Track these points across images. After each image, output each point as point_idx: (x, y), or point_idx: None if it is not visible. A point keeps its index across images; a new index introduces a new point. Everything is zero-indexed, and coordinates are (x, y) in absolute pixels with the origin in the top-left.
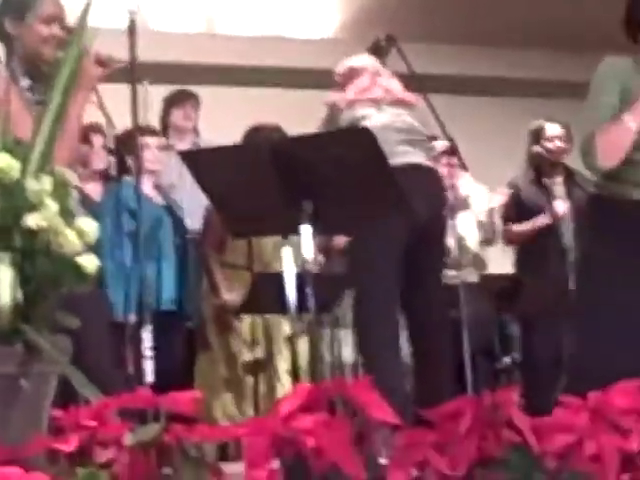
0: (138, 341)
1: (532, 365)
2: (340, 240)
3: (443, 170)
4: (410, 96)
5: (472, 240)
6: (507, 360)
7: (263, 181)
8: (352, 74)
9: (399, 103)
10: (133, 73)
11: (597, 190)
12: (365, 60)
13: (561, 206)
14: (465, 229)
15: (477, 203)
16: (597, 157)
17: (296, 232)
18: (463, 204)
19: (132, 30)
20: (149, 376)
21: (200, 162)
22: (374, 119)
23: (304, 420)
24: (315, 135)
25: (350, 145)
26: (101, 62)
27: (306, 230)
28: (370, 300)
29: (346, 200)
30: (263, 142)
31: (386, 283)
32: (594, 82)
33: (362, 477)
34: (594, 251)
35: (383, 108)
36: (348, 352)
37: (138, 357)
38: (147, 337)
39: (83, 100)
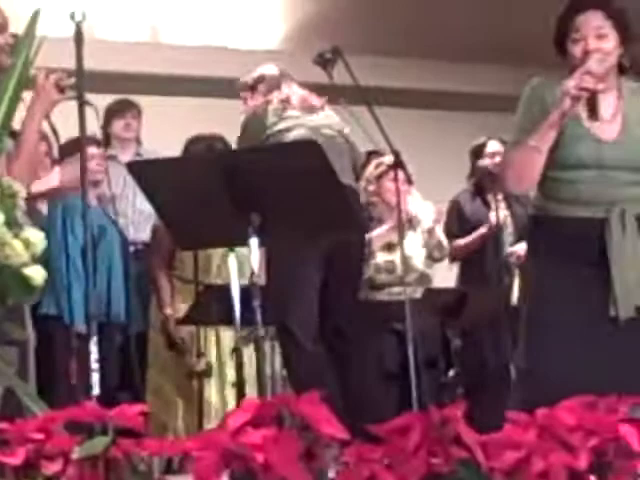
0: (85, 352)
1: (475, 379)
2: None
3: (390, 185)
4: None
5: (419, 259)
6: (451, 374)
7: (211, 193)
8: (262, 81)
9: (316, 109)
10: (80, 82)
11: (534, 210)
12: (274, 69)
13: (497, 217)
14: (412, 248)
15: (425, 221)
16: (506, 180)
17: (244, 244)
18: (411, 223)
19: (79, 39)
20: (95, 388)
21: (147, 174)
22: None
23: (253, 435)
24: (263, 147)
25: (298, 157)
26: (59, 87)
27: (254, 242)
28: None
29: (294, 213)
30: (211, 154)
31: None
32: (520, 102)
33: None
34: (534, 271)
35: (303, 117)
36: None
37: (85, 369)
38: (94, 349)
39: (40, 116)
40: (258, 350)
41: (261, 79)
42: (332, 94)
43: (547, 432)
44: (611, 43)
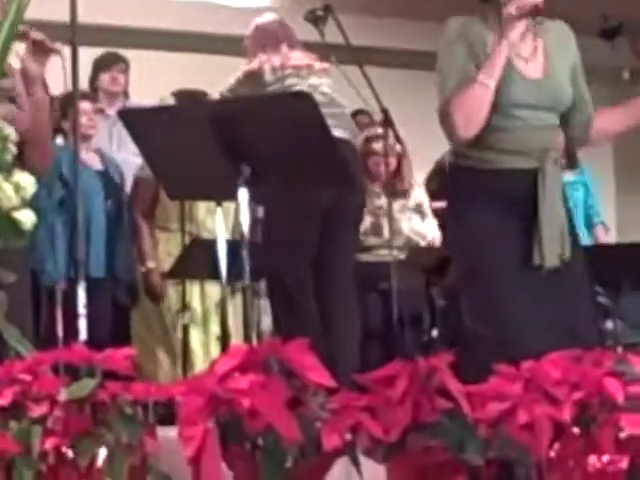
0: (70, 302)
1: (459, 338)
2: None
3: (378, 145)
4: (325, 65)
5: (406, 225)
6: (434, 333)
7: (202, 143)
8: (261, 35)
9: (318, 72)
10: (74, 35)
11: (467, 160)
12: (270, 19)
13: None
14: (400, 214)
15: (417, 192)
16: (456, 126)
17: (234, 196)
18: (403, 192)
19: None
20: (83, 334)
21: (138, 121)
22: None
23: (240, 380)
24: (255, 97)
25: (290, 109)
26: (41, 48)
27: (243, 195)
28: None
29: (285, 166)
30: (203, 103)
31: (294, 258)
32: (443, 46)
33: (297, 438)
34: (475, 226)
35: (305, 77)
36: (267, 321)
37: (71, 317)
38: (82, 295)
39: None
40: (245, 301)
41: (258, 30)
42: (323, 52)
43: (532, 384)
44: None
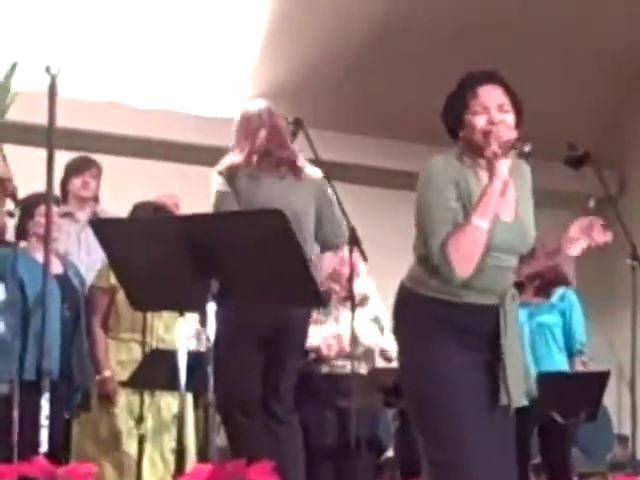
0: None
1: (413, 462)
2: None
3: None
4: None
5: (365, 336)
6: (389, 455)
7: (172, 256)
8: (244, 122)
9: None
10: (50, 138)
11: (426, 289)
12: (257, 105)
13: None
14: (360, 324)
15: (373, 300)
16: (454, 268)
17: (201, 310)
18: (361, 301)
19: (52, 94)
20: (44, 445)
21: (108, 231)
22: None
23: None
24: (228, 213)
25: (263, 226)
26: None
27: (211, 308)
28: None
29: (255, 282)
30: (178, 218)
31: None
32: (427, 185)
33: None
34: (431, 356)
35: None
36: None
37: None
38: (45, 405)
39: None
40: (207, 416)
41: (242, 118)
42: None
43: None
44: (511, 118)
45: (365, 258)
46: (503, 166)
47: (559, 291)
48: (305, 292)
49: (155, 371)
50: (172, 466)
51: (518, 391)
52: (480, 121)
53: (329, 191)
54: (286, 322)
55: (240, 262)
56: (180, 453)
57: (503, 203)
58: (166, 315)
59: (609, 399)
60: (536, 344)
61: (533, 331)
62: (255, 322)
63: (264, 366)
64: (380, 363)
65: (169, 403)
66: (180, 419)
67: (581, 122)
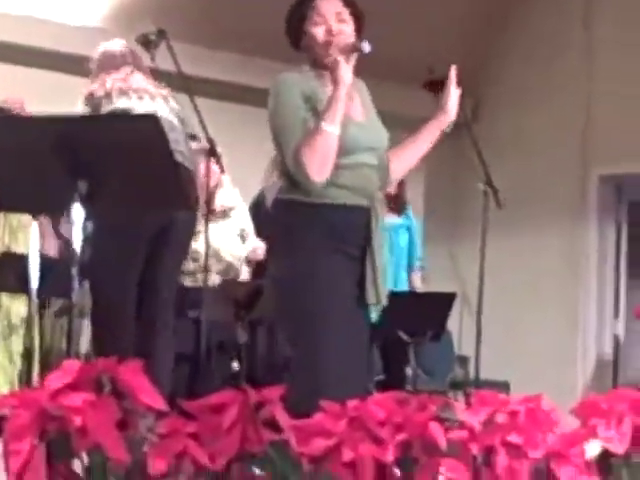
0: None
1: (262, 372)
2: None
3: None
4: (164, 91)
5: (227, 250)
6: (235, 366)
7: (40, 156)
8: (106, 60)
9: (158, 97)
10: None
11: (289, 193)
12: (119, 45)
13: None
14: (221, 238)
15: (239, 214)
16: (308, 173)
17: (67, 211)
18: (224, 212)
19: None
20: None
21: None
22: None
23: (72, 398)
24: (101, 116)
25: (135, 129)
26: None
27: (78, 211)
28: (105, 295)
29: (124, 185)
30: (47, 116)
31: (122, 278)
32: (280, 100)
33: (124, 460)
34: (307, 259)
35: (145, 100)
36: (84, 342)
37: None
38: None
39: None
40: (71, 319)
41: (104, 55)
42: (153, 77)
43: (357, 423)
44: (350, 27)
45: (223, 170)
46: (346, 71)
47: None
48: (174, 196)
49: (5, 274)
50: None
51: (384, 291)
52: (319, 32)
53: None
54: (170, 223)
55: (110, 164)
56: (28, 356)
57: (352, 106)
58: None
59: (452, 322)
60: (394, 262)
61: (391, 250)
62: (139, 221)
63: (145, 265)
64: (246, 275)
65: (18, 307)
66: (29, 323)
67: (441, 46)
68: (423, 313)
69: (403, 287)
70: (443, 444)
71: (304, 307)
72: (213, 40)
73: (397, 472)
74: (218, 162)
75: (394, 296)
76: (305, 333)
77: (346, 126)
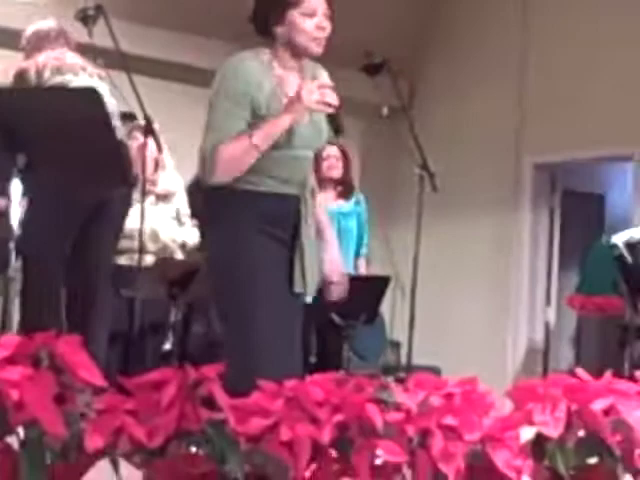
0: None
1: (195, 352)
2: None
3: (135, 144)
4: (98, 69)
5: (165, 232)
6: (167, 347)
7: None
8: (38, 39)
9: (92, 75)
10: None
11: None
12: (50, 24)
13: None
14: (161, 221)
15: (179, 199)
16: (214, 172)
17: (5, 187)
18: (165, 197)
19: None
20: None
21: None
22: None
23: (10, 371)
24: (42, 89)
25: (76, 103)
26: None
27: (16, 184)
28: (37, 267)
29: (63, 160)
30: None
31: (55, 253)
32: (221, 86)
33: (61, 435)
34: (237, 244)
35: (80, 76)
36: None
37: None
38: None
39: None
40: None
41: (36, 34)
42: (91, 54)
43: (294, 403)
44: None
45: (160, 147)
46: (303, 115)
47: (356, 195)
48: (114, 171)
49: None
50: None
51: (313, 280)
52: (310, 24)
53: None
54: (108, 199)
55: (50, 139)
56: None
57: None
58: None
59: (384, 305)
60: (342, 247)
61: (339, 235)
62: (77, 196)
63: (82, 241)
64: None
65: None
66: None
67: (379, 31)
68: (357, 296)
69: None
70: (380, 425)
71: (234, 286)
72: (152, 17)
73: (333, 453)
74: (155, 140)
75: None
76: (236, 311)
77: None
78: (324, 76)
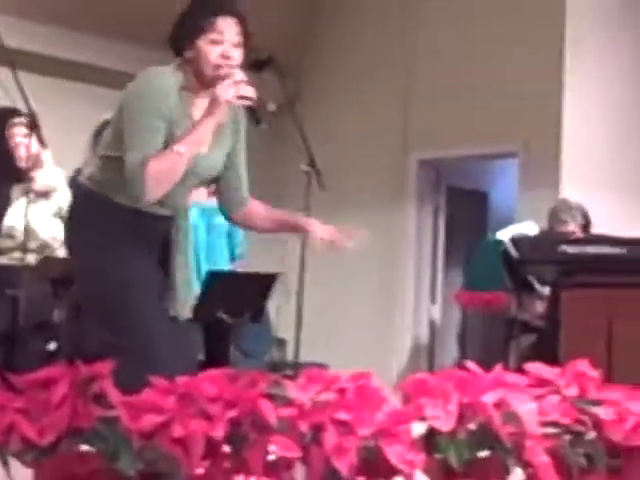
0: None
1: (78, 353)
2: None
3: (17, 140)
4: None
5: (45, 229)
6: (52, 346)
7: None
8: None
9: None
10: None
11: (99, 188)
12: None
13: None
14: (40, 218)
15: (60, 195)
16: (144, 190)
17: None
18: (44, 194)
19: None
20: None
21: None
22: None
23: None
24: None
25: None
26: None
27: None
28: None
29: None
30: None
31: None
32: (136, 100)
33: None
34: (111, 255)
35: None
36: None
37: None
38: None
39: None
40: None
41: None
42: None
43: (187, 399)
44: (240, 53)
45: (43, 143)
46: (225, 114)
47: None
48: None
49: None
50: None
51: (185, 303)
52: (214, 52)
53: None
54: None
55: None
56: None
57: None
58: None
59: (270, 303)
60: (213, 243)
61: (209, 231)
62: None
63: None
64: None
65: None
66: None
67: (265, 26)
68: (243, 293)
69: (224, 266)
70: (273, 421)
71: (111, 290)
72: (40, 14)
73: (227, 449)
74: (38, 135)
75: (214, 276)
76: (115, 316)
77: None
78: (236, 72)
